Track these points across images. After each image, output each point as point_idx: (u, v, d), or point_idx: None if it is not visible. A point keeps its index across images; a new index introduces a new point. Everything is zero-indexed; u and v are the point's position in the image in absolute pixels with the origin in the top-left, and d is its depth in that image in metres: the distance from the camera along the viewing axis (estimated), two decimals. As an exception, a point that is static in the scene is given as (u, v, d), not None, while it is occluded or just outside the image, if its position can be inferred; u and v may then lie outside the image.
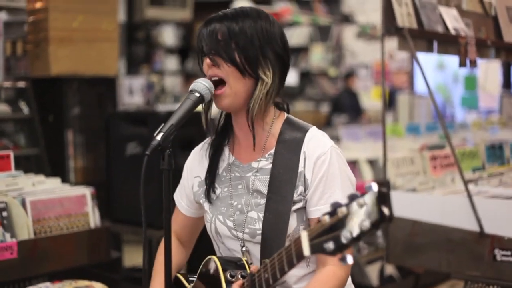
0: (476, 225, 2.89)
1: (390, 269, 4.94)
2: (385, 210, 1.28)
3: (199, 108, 1.95)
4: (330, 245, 1.36)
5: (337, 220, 1.35)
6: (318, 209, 1.82)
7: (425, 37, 3.22)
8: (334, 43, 11.76)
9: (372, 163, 5.00)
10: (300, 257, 1.47)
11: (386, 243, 3.25)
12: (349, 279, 1.93)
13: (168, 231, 1.42)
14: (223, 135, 2.01)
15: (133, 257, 5.07)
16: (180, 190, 2.12)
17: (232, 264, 1.86)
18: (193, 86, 1.81)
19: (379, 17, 3.07)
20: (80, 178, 5.06)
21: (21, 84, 4.79)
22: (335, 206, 1.36)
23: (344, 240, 1.33)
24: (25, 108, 4.83)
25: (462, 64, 3.33)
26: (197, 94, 1.79)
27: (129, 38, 9.57)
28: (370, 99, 11.17)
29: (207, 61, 1.84)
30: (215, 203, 1.96)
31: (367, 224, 1.29)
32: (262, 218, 1.85)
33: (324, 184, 1.83)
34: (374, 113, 10.23)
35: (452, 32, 3.30)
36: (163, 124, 1.69)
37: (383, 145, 3.23)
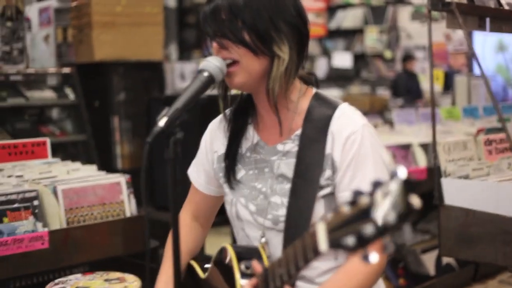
0: (535, 215, 2.69)
1: (447, 258, 4.73)
2: (414, 201, 1.04)
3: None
4: (350, 240, 1.12)
5: (358, 211, 1.12)
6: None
7: (476, 13, 3.00)
8: (389, 25, 11.48)
9: (426, 147, 4.78)
10: (316, 252, 1.23)
11: (438, 234, 3.07)
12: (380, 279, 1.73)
13: (175, 227, 1.26)
14: (246, 112, 1.84)
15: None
16: (197, 166, 1.96)
17: (248, 254, 1.70)
18: (202, 65, 1.62)
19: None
20: (127, 164, 5.02)
21: (67, 70, 4.75)
22: (356, 194, 1.14)
23: (365, 235, 1.09)
24: (71, 94, 4.80)
25: (518, 42, 3.11)
26: (206, 74, 1.59)
27: (180, 23, 9.52)
28: (428, 81, 10.86)
29: (214, 45, 1.67)
30: (237, 184, 1.81)
31: (392, 217, 1.05)
32: (286, 204, 1.69)
33: (354, 167, 1.64)
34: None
35: (506, 7, 3.07)
36: (167, 108, 1.50)
37: (433, 128, 3.06)
